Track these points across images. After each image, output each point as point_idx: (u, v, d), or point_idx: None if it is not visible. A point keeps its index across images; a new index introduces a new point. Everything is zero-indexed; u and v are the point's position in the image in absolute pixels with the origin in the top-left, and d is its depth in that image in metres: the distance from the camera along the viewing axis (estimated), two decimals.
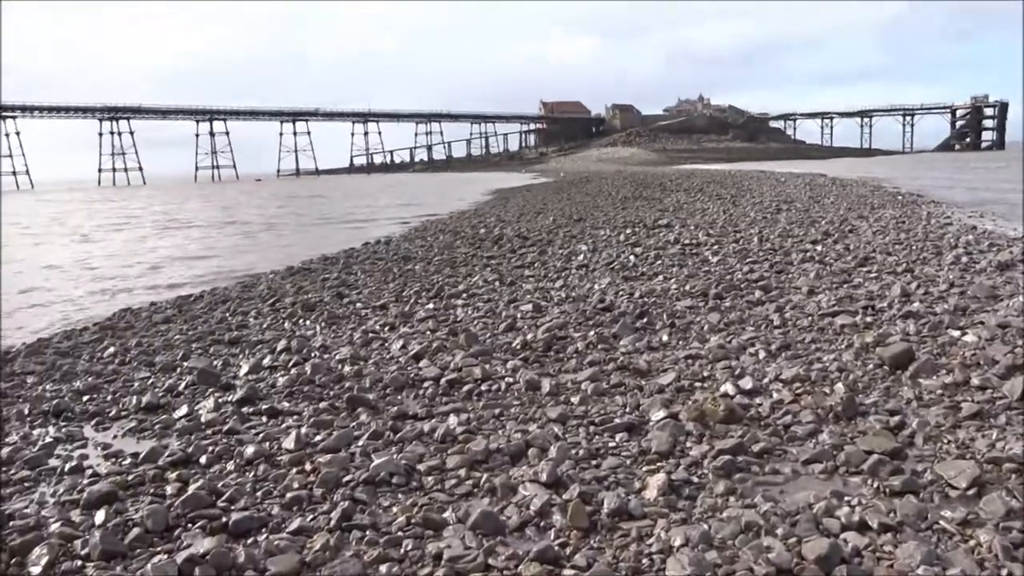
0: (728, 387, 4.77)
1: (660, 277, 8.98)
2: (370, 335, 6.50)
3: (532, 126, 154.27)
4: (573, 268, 9.97)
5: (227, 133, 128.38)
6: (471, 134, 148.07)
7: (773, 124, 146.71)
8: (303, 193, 51.65)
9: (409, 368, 5.54)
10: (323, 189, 58.86)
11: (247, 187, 74.37)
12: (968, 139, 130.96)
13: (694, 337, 6.10)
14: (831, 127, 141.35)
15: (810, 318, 6.64)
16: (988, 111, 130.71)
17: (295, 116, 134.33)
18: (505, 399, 4.87)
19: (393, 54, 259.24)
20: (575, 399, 4.71)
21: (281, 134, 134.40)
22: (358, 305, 7.90)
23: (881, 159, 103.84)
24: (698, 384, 4.97)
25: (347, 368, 5.58)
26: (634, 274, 9.35)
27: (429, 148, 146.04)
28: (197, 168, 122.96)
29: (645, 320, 6.62)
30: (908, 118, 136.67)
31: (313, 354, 6.06)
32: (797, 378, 4.90)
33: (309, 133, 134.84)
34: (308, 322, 7.40)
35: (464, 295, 8.10)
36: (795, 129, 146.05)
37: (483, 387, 5.06)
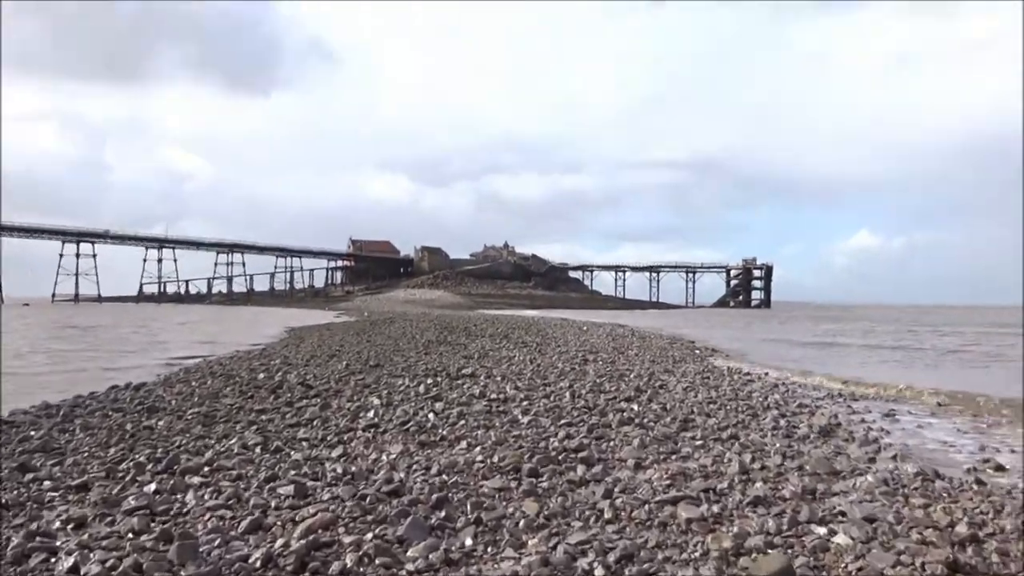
0: None
1: (464, 443, 7.46)
2: (33, 542, 4.32)
3: (340, 263, 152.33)
4: (360, 429, 8.22)
5: None
6: (275, 267, 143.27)
7: (572, 274, 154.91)
8: (73, 321, 45.86)
9: None
10: (98, 318, 52.90)
11: (10, 312, 65.63)
12: (740, 297, 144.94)
13: (507, 540, 4.56)
14: (624, 279, 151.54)
15: (646, 506, 5.34)
16: (757, 272, 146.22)
17: (80, 237, 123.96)
18: None
19: (205, 178, 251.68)
20: None
21: (62, 255, 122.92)
22: (46, 484, 5.61)
23: (668, 311, 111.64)
24: None
25: None
26: (433, 438, 7.76)
27: (229, 280, 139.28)
28: None
29: (443, 513, 4.99)
30: (690, 275, 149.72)
31: None
32: None
33: (95, 256, 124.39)
34: None
35: (206, 468, 6.09)
36: (592, 280, 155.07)
37: None
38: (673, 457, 7.20)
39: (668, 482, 6.10)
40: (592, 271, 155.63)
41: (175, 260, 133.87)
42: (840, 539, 4.62)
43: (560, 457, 6.85)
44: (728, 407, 10.66)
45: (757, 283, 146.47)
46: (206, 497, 5.31)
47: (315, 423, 8.51)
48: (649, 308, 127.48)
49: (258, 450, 6.95)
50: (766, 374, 17.11)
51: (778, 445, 7.89)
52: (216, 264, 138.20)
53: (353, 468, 6.19)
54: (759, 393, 12.64)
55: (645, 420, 9.16)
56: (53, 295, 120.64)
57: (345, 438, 7.71)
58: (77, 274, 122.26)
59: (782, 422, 9.51)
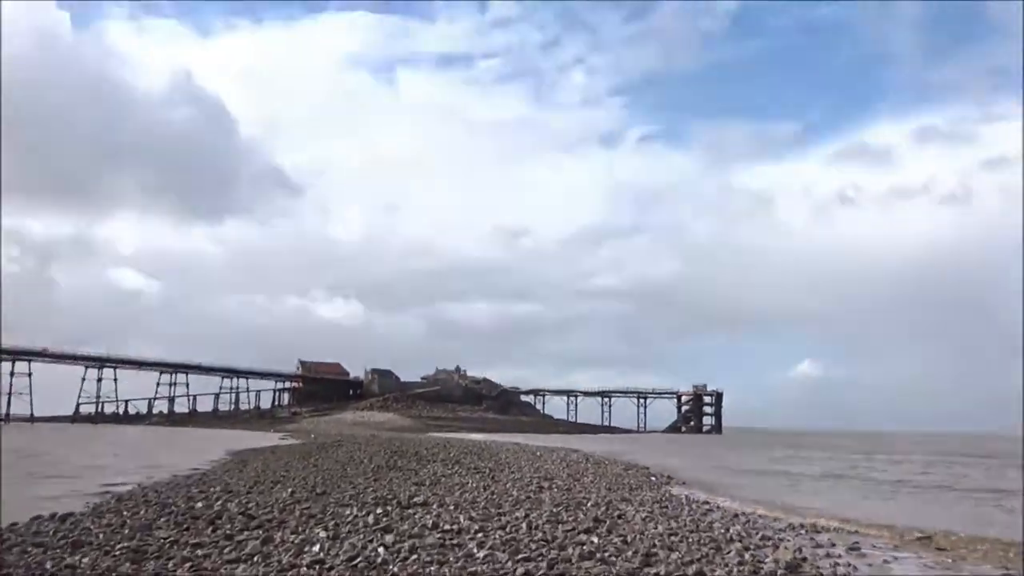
0: None
1: None
2: None
3: (287, 384, 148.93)
4: (304, 565, 7.66)
5: None
6: (220, 388, 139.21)
7: (524, 398, 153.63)
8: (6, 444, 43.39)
9: None
10: (27, 441, 50.21)
11: None
12: (692, 422, 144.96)
13: None
14: (576, 404, 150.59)
15: None
16: (707, 399, 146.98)
17: (16, 355, 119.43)
18: None
19: (153, 296, 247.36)
20: None
21: None
22: None
23: (621, 436, 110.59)
24: None
25: None
26: None
27: (171, 400, 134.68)
28: None
29: None
30: (642, 400, 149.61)
31: None
32: None
33: (30, 375, 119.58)
34: None
35: None
36: (544, 404, 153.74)
37: None
38: None
39: None
40: (544, 395, 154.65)
41: (115, 380, 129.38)
42: None
43: None
44: (690, 539, 10.31)
45: (708, 409, 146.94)
46: None
47: (255, 559, 7.92)
48: (601, 432, 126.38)
49: None
50: (725, 503, 16.79)
51: None
52: (159, 384, 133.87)
53: None
54: (720, 524, 12.32)
55: (606, 554, 8.75)
56: None
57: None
58: (10, 393, 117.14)
59: (747, 556, 9.19)
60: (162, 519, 10.80)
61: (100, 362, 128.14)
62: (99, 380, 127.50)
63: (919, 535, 12.15)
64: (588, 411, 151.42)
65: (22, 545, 8.46)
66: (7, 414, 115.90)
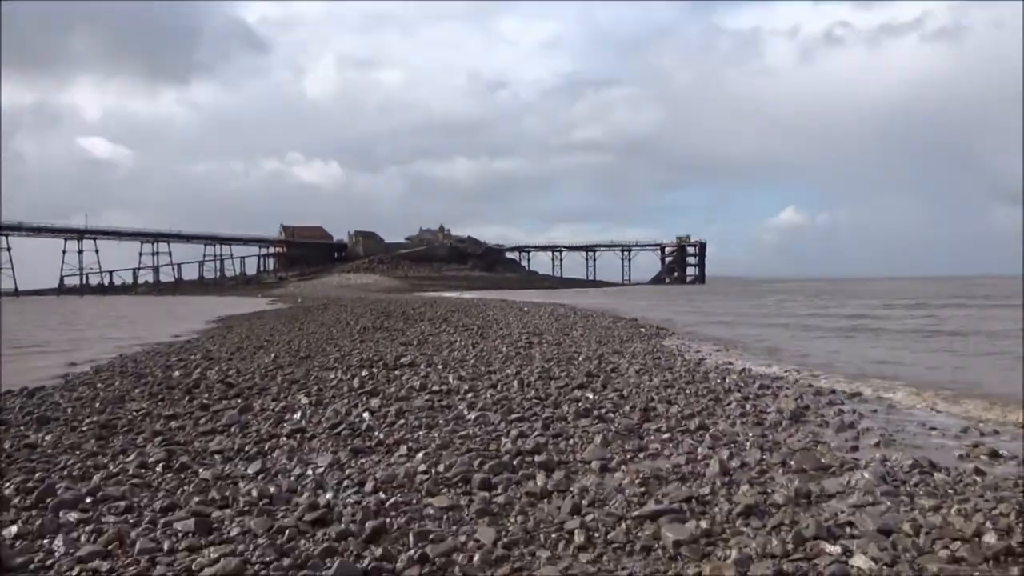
0: None
1: (403, 448, 6.51)
2: None
3: (272, 250, 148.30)
4: (284, 435, 7.19)
5: None
6: (204, 256, 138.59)
7: (509, 255, 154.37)
8: None
9: None
10: (13, 312, 49.81)
11: None
12: (676, 273, 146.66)
13: None
14: (561, 259, 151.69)
15: (623, 524, 4.52)
16: (691, 249, 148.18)
17: None
18: None
19: (127, 166, 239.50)
20: None
21: None
22: None
23: (606, 289, 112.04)
24: None
25: None
26: (368, 443, 6.80)
27: (155, 270, 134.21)
28: None
29: (379, 551, 4.06)
30: (626, 253, 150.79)
31: None
32: None
33: (9, 249, 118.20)
34: None
35: (89, 498, 5.01)
36: (528, 260, 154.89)
37: None
38: (641, 455, 6.41)
39: (642, 489, 5.29)
40: (529, 252, 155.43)
41: (96, 251, 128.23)
42: (860, 561, 3.86)
43: (515, 462, 5.97)
44: (687, 391, 9.97)
45: (691, 260, 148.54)
46: (81, 540, 4.26)
47: (232, 430, 7.43)
48: (587, 287, 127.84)
49: (159, 469, 5.86)
50: (717, 351, 16.62)
51: (751, 435, 7.19)
52: (141, 254, 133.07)
53: (272, 488, 5.19)
54: (715, 374, 12.03)
55: (603, 411, 8.36)
56: None
57: (266, 448, 6.68)
58: None
59: (748, 406, 8.85)
60: (137, 390, 10.31)
61: (79, 234, 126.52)
62: (80, 252, 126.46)
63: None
64: (573, 266, 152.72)
65: None
66: None
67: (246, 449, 6.59)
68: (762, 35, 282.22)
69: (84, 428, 7.56)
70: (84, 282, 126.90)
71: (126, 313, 47.61)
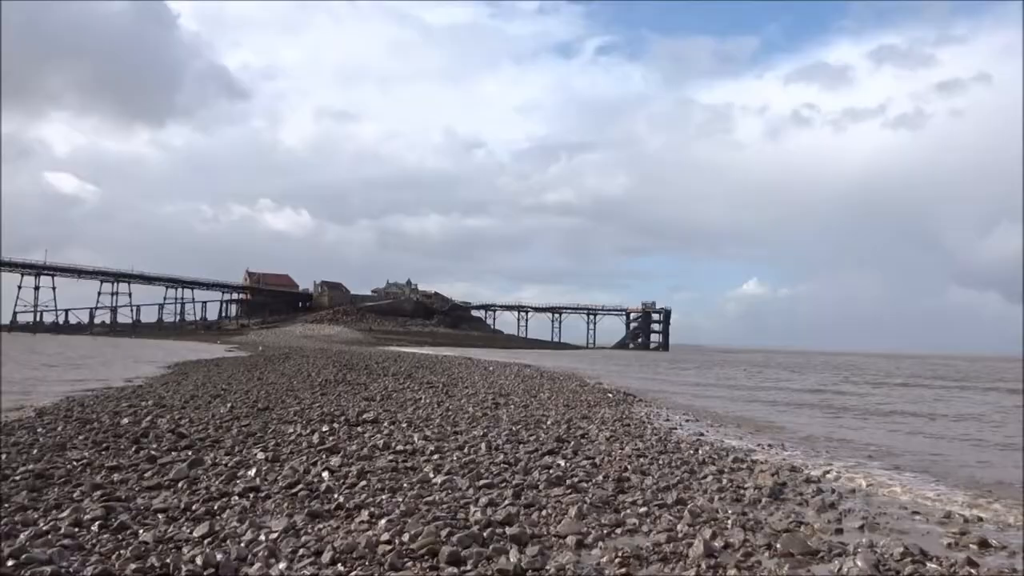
0: None
1: (365, 513, 6.06)
2: None
3: (235, 296, 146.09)
4: (236, 493, 6.69)
5: None
6: (165, 298, 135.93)
7: (475, 313, 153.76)
8: None
9: None
10: None
11: None
12: (640, 339, 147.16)
13: None
14: (527, 320, 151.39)
15: None
16: (655, 316, 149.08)
17: None
18: None
19: (93, 204, 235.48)
20: None
21: None
22: None
23: (571, 352, 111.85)
24: None
25: None
26: (327, 506, 6.33)
27: (113, 310, 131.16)
28: None
29: None
30: (592, 317, 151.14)
31: None
32: None
33: None
34: None
35: (10, 561, 4.49)
36: (494, 319, 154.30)
37: None
38: (619, 531, 6.04)
39: (622, 570, 4.92)
40: (495, 310, 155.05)
41: (54, 288, 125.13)
42: None
43: (486, 534, 5.56)
44: (660, 461, 9.65)
45: (656, 326, 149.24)
46: None
47: (180, 485, 6.91)
48: (552, 348, 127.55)
49: (95, 528, 5.35)
50: (687, 420, 16.34)
51: (731, 512, 6.86)
52: (100, 294, 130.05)
53: (219, 556, 4.72)
54: (687, 444, 11.73)
55: (575, 479, 7.99)
56: None
57: (215, 507, 6.18)
58: None
59: (724, 480, 8.55)
60: (81, 436, 9.69)
61: (37, 269, 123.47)
62: (36, 288, 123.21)
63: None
64: (538, 327, 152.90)
65: None
66: None
67: (193, 508, 6.08)
68: (733, 110, 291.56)
69: (17, 477, 6.98)
70: (38, 319, 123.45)
71: (81, 353, 46.10)
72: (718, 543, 5.65)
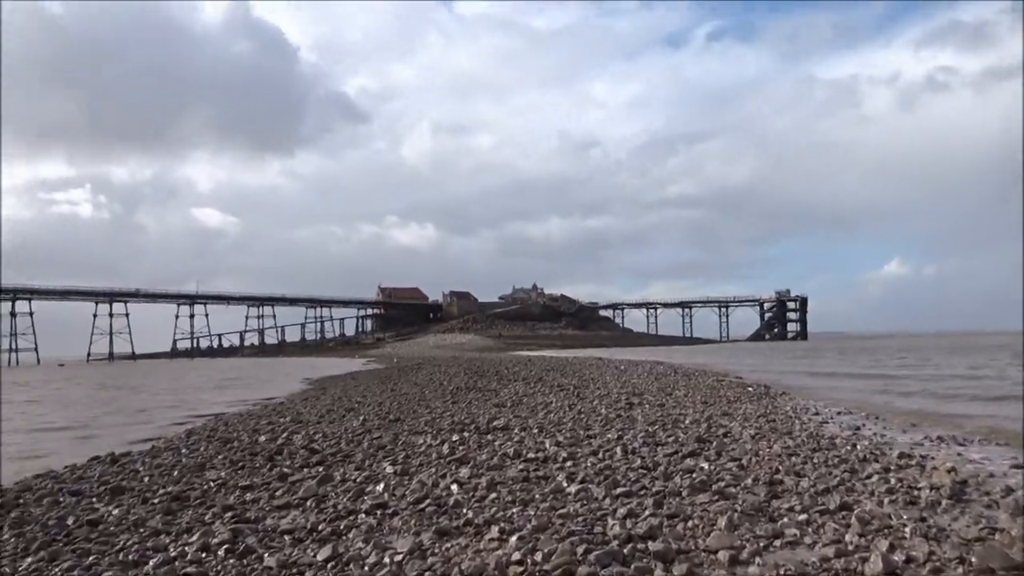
0: None
1: (495, 530, 5.66)
2: None
3: (369, 311, 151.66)
4: (363, 511, 6.46)
5: (31, 314, 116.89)
6: (306, 318, 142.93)
7: (603, 313, 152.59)
8: (97, 380, 44.82)
9: None
10: (125, 375, 51.97)
11: (43, 373, 64.94)
12: (776, 329, 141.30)
13: None
14: (656, 316, 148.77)
15: None
16: (791, 304, 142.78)
17: (112, 297, 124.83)
18: None
19: (235, 234, 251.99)
20: None
21: (95, 315, 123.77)
22: None
23: (704, 347, 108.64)
24: None
25: None
26: (455, 523, 5.99)
27: (261, 332, 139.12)
28: None
29: None
30: (723, 310, 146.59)
31: None
32: None
33: (127, 315, 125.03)
34: None
35: None
36: (623, 318, 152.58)
37: None
38: (777, 543, 5.35)
39: None
40: (623, 309, 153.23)
41: (207, 315, 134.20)
42: None
43: (626, 551, 5.03)
44: (814, 460, 8.76)
45: (792, 315, 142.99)
46: None
47: (308, 504, 6.77)
48: (683, 344, 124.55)
49: (221, 552, 5.22)
50: (838, 413, 15.10)
51: (906, 518, 6.00)
52: (247, 317, 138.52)
53: None
54: (842, 440, 10.70)
55: (722, 484, 7.30)
56: (88, 354, 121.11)
57: (342, 527, 5.96)
58: (111, 333, 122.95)
59: (892, 479, 7.60)
60: (220, 456, 9.88)
61: (190, 299, 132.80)
62: (191, 316, 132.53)
63: None
64: (668, 323, 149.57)
65: (55, 495, 7.54)
66: (111, 353, 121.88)
67: (319, 528, 5.88)
68: (859, 83, 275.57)
69: (156, 500, 7.06)
70: (195, 345, 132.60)
71: (232, 375, 48.79)
72: (898, 556, 4.88)
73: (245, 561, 5.06)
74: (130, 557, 5.15)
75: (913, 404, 17.72)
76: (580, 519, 5.98)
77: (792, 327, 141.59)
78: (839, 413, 15.31)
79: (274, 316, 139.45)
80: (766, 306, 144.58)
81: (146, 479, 8.27)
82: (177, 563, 4.99)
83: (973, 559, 4.83)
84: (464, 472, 8.06)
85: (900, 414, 15.26)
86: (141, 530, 5.95)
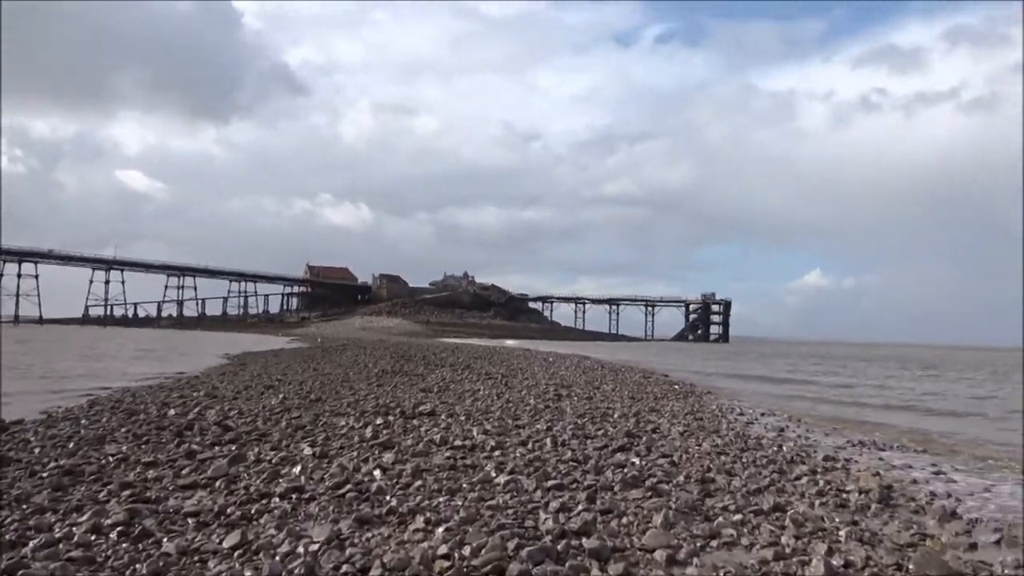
0: None
1: (420, 520, 5.30)
2: None
3: (296, 289, 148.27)
4: (277, 494, 6.01)
5: None
6: (229, 292, 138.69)
7: (532, 305, 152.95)
8: None
9: None
10: (31, 339, 49.30)
11: None
12: (699, 331, 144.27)
13: None
14: (584, 311, 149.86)
15: None
16: (715, 307, 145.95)
17: (21, 256, 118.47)
18: None
19: (161, 200, 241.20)
20: None
21: (2, 275, 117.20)
22: None
23: (629, 344, 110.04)
24: None
25: None
26: (377, 510, 5.60)
27: (180, 303, 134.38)
28: None
29: None
30: (650, 308, 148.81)
31: None
32: None
33: (37, 276, 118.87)
34: None
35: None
36: (551, 311, 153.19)
37: None
38: (714, 544, 5.15)
39: None
40: (552, 302, 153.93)
41: (123, 282, 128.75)
42: None
43: (560, 547, 4.74)
44: (743, 459, 8.70)
45: (716, 318, 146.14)
46: None
47: (218, 484, 6.27)
48: (609, 340, 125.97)
49: (114, 536, 4.70)
50: (762, 415, 15.24)
51: (839, 521, 5.91)
52: (167, 287, 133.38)
53: (248, 573, 4.00)
54: (768, 441, 10.72)
55: (655, 480, 7.11)
56: None
57: (253, 511, 5.49)
58: (18, 295, 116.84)
59: (821, 482, 7.56)
60: (123, 429, 9.20)
61: (107, 264, 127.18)
62: (107, 282, 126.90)
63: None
64: (596, 318, 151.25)
65: None
66: (16, 316, 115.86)
67: (228, 512, 5.41)
68: (797, 97, 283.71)
69: (44, 474, 6.43)
70: (108, 313, 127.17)
71: (147, 346, 46.82)
72: (836, 561, 4.73)
73: (140, 546, 4.56)
74: (7, 537, 4.59)
75: (831, 409, 18.07)
76: (510, 511, 5.67)
77: (715, 329, 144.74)
78: (763, 415, 15.45)
79: (195, 288, 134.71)
80: (691, 308, 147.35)
81: (36, 450, 7.58)
82: (61, 545, 4.45)
83: (910, 566, 4.72)
84: (388, 457, 7.66)
85: (821, 418, 15.50)
86: (24, 506, 5.36)
